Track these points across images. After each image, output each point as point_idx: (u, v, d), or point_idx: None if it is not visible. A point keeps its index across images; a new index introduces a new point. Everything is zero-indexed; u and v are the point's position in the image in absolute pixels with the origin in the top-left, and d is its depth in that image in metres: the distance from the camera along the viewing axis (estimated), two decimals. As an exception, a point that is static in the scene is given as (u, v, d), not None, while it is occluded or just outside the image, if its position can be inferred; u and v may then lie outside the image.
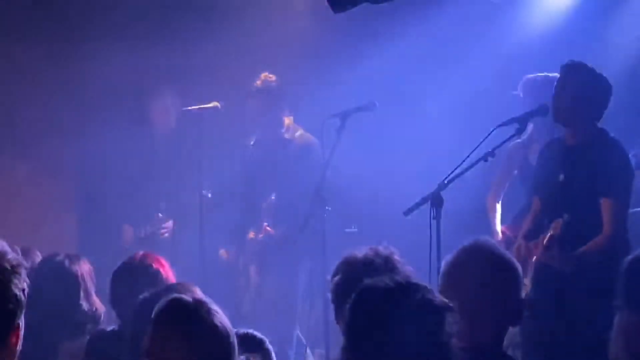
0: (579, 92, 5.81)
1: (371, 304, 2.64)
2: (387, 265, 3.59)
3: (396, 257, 3.68)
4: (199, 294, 3.70)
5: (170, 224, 7.75)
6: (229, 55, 7.94)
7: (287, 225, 6.91)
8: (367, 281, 2.71)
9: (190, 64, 8.39)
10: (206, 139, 7.04)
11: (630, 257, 3.79)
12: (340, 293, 3.56)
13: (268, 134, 7.30)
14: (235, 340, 3.01)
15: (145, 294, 3.71)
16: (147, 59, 8.11)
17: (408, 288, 2.64)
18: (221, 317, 2.98)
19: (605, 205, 5.71)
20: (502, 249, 3.36)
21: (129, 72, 8.24)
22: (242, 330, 3.68)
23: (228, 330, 2.97)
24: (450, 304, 2.65)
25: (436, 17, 8.01)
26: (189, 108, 7.04)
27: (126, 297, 4.08)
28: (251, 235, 7.18)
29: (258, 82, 7.20)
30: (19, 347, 2.56)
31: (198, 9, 8.35)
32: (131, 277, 4.25)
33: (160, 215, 7.80)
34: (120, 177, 7.99)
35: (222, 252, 7.33)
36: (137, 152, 7.96)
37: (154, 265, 4.33)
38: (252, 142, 7.42)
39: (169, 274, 4.35)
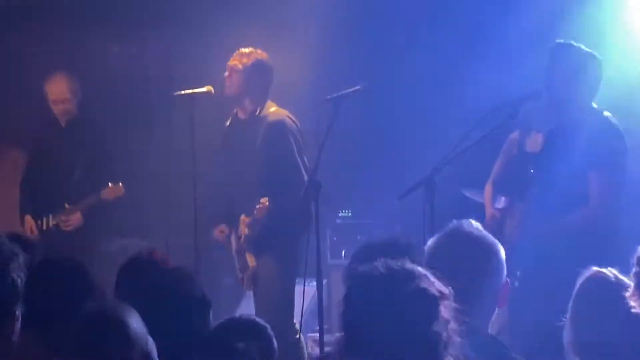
0: (571, 71, 5.85)
1: (365, 292, 2.62)
2: (406, 252, 3.57)
3: (413, 246, 3.63)
4: None
5: (77, 215, 7.69)
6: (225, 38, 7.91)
7: (274, 202, 6.83)
8: (362, 268, 2.69)
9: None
10: (199, 123, 7.00)
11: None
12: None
13: (241, 112, 7.16)
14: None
15: None
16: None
17: (402, 276, 2.62)
18: None
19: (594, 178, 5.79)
20: (482, 231, 3.34)
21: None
22: (245, 317, 3.69)
23: None
24: (446, 292, 2.63)
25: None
26: (181, 92, 7.00)
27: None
28: (244, 219, 7.10)
29: (236, 60, 7.09)
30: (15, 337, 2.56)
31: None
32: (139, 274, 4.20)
33: (67, 206, 7.74)
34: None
35: (216, 231, 7.23)
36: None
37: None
38: (227, 123, 7.27)
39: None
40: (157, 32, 8.96)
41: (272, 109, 7.08)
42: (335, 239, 8.64)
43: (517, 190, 6.13)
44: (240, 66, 7.01)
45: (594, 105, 6.04)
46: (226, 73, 7.05)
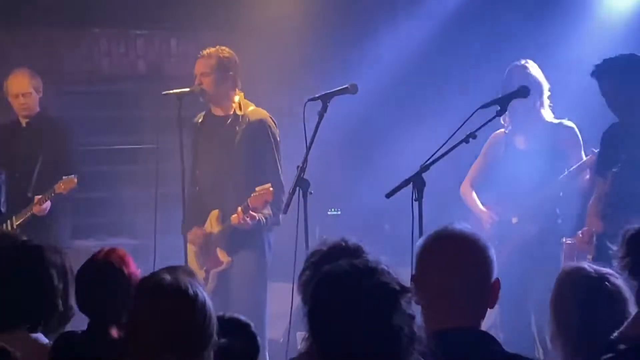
0: (620, 81, 5.99)
1: (329, 289, 2.68)
2: (354, 256, 3.57)
3: (364, 248, 3.65)
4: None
5: (38, 198, 7.57)
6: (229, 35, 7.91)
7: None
8: (327, 267, 2.73)
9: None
10: (186, 123, 6.99)
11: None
12: (308, 285, 3.55)
13: (217, 110, 7.16)
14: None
15: None
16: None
17: (364, 272, 2.67)
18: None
19: None
20: (471, 231, 3.34)
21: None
22: (227, 315, 3.68)
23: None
24: (407, 287, 2.67)
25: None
26: (169, 92, 6.99)
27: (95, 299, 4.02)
28: (216, 214, 7.09)
29: (211, 58, 7.07)
30: None
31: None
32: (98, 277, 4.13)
33: (29, 194, 7.67)
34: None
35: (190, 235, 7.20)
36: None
37: (116, 264, 4.18)
38: (199, 120, 7.26)
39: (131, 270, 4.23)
40: (147, 32, 8.95)
41: (251, 108, 7.11)
42: (324, 237, 8.62)
43: None
44: (207, 69, 7.03)
45: None
46: (197, 80, 7.05)
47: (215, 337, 3.07)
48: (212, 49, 7.09)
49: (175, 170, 6.82)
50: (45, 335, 4.04)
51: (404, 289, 2.66)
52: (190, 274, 3.89)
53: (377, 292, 2.63)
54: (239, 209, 6.92)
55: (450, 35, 8.27)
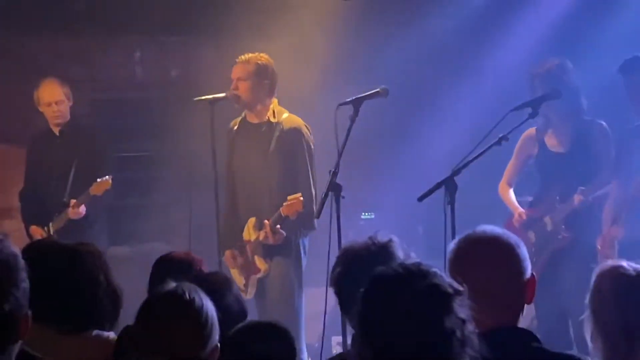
0: None
1: (381, 292, 2.67)
2: (385, 253, 3.60)
3: (394, 244, 3.68)
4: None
5: (73, 202, 7.62)
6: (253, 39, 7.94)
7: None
8: (379, 269, 2.72)
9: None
10: (218, 129, 7.02)
11: None
12: (343, 284, 3.58)
13: (252, 117, 7.19)
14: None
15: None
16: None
17: (417, 274, 2.66)
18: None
19: None
20: (502, 231, 3.36)
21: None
22: (264, 320, 3.71)
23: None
24: (460, 288, 2.66)
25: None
26: (201, 98, 7.02)
27: None
28: (253, 222, 7.13)
29: (249, 64, 7.10)
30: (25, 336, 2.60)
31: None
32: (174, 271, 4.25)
33: (65, 201, 7.72)
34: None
35: (227, 254, 7.25)
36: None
37: (196, 260, 4.36)
38: (235, 127, 7.31)
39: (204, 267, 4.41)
40: (179, 39, 9.00)
41: (285, 115, 7.12)
42: (358, 241, 8.63)
43: None
44: (244, 75, 7.04)
45: None
46: (232, 84, 7.07)
47: (215, 341, 3.09)
48: (250, 55, 7.11)
49: (208, 176, 6.86)
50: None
51: (456, 292, 2.64)
52: (225, 280, 3.94)
53: (429, 294, 2.62)
54: (266, 223, 6.94)
55: (481, 34, 8.24)
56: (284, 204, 6.86)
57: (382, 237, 3.70)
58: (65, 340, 3.75)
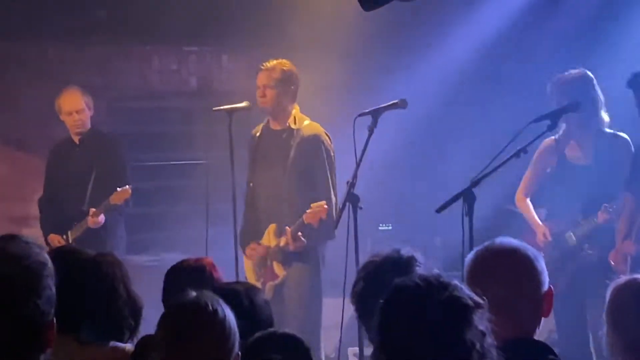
0: None
1: (401, 303, 2.65)
2: (407, 268, 3.58)
3: (418, 258, 3.66)
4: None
5: (93, 210, 7.65)
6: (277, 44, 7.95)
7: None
8: (398, 280, 2.71)
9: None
10: (237, 139, 7.03)
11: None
12: (363, 296, 3.57)
13: (275, 124, 7.22)
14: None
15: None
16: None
17: (436, 285, 2.64)
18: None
19: None
20: (520, 243, 3.35)
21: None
22: (281, 330, 3.70)
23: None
24: (480, 301, 2.64)
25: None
26: (220, 107, 7.03)
27: None
28: (273, 228, 7.13)
29: (274, 71, 7.12)
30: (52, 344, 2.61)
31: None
32: (187, 278, 4.24)
33: (84, 209, 7.73)
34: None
35: (249, 250, 7.26)
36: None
37: (207, 266, 4.35)
38: (257, 133, 7.33)
39: (218, 276, 4.38)
40: (197, 48, 9.02)
41: (306, 122, 7.14)
42: (380, 254, 8.61)
43: None
44: (271, 82, 7.06)
45: None
46: (258, 91, 7.09)
47: (237, 351, 3.09)
48: (275, 62, 7.13)
49: (226, 186, 6.87)
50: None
51: (476, 304, 2.62)
52: (256, 291, 3.93)
53: (449, 306, 2.59)
54: (288, 230, 6.95)
55: (499, 47, 8.23)
56: (307, 211, 6.87)
57: (405, 252, 3.68)
58: (84, 351, 3.74)
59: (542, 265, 3.31)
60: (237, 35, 8.56)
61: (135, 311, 4.07)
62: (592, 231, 6.75)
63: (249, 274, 7.20)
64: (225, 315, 3.08)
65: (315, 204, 6.86)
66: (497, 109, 8.03)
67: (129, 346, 3.97)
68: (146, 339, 4.05)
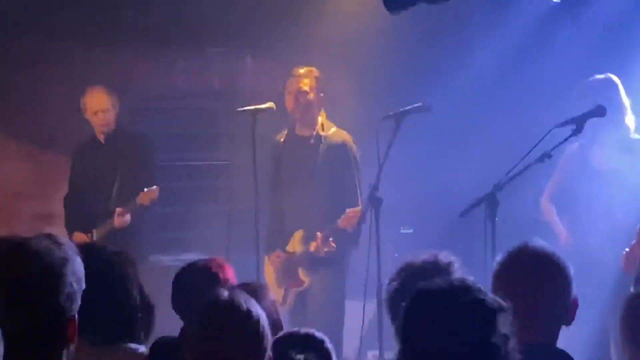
0: None
1: (425, 305, 2.63)
2: (444, 272, 3.57)
3: (455, 264, 3.65)
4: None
5: (120, 210, 7.67)
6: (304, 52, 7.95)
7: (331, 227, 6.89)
8: (422, 283, 2.70)
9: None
10: (260, 140, 7.03)
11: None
12: (397, 298, 3.56)
13: (302, 130, 7.23)
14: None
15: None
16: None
17: (461, 288, 2.63)
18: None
19: None
20: (551, 249, 3.35)
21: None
22: (303, 330, 3.70)
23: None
24: (504, 305, 2.63)
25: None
26: (243, 108, 7.04)
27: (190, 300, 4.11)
28: (300, 235, 7.13)
29: (308, 78, 7.12)
30: (75, 339, 2.61)
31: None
32: (196, 280, 4.24)
33: (110, 209, 7.74)
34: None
35: (273, 256, 7.27)
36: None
37: (213, 268, 4.33)
38: (282, 139, 7.33)
39: (229, 275, 4.35)
40: (222, 49, 9.03)
41: (333, 129, 7.15)
42: (396, 255, 8.61)
43: None
44: (306, 88, 7.07)
45: None
46: (292, 96, 7.08)
47: (269, 352, 3.09)
48: (306, 68, 7.14)
49: (249, 187, 6.87)
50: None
51: (501, 308, 2.60)
52: (263, 290, 3.92)
53: (474, 309, 2.57)
54: (319, 235, 6.94)
55: (524, 50, 8.20)
56: (342, 216, 6.85)
57: (443, 257, 3.67)
58: (96, 352, 3.74)
59: (571, 273, 3.32)
60: (262, 37, 8.56)
61: (149, 312, 4.06)
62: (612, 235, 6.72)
63: (269, 279, 7.19)
64: (258, 316, 3.07)
65: (351, 209, 6.85)
66: (520, 113, 8.00)
67: (142, 348, 3.96)
68: (162, 340, 4.05)
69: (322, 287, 7.06)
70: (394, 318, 3.57)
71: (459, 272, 3.61)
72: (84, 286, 2.70)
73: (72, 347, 2.61)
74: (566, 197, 7.06)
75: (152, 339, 4.05)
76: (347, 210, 6.85)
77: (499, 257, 3.37)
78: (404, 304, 2.68)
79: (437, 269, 3.58)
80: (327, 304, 7.02)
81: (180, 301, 4.20)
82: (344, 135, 7.16)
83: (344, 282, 7.10)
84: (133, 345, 3.93)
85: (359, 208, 6.83)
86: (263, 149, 7.11)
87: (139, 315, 3.96)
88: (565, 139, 5.75)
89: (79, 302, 2.65)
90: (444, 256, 3.67)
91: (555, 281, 3.28)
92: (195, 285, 4.13)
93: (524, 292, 3.17)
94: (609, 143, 6.82)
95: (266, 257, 7.21)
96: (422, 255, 3.71)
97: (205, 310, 3.15)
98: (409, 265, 3.70)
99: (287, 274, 7.17)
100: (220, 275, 4.26)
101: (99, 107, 7.85)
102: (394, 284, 3.64)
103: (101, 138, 7.95)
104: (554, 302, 3.26)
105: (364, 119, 7.29)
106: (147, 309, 4.05)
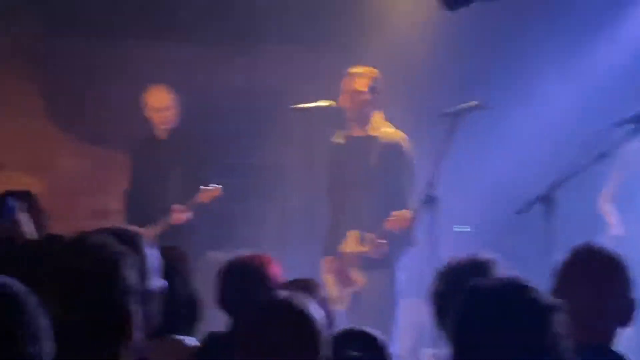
0: None
1: (479, 304, 2.62)
2: (487, 270, 3.55)
3: (497, 263, 3.62)
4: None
5: (179, 207, 7.70)
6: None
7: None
8: (476, 281, 2.68)
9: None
10: (318, 138, 7.04)
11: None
12: (440, 296, 3.55)
13: (357, 131, 7.21)
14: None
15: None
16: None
17: (515, 287, 2.61)
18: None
19: None
20: (612, 250, 3.33)
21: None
22: (357, 328, 3.71)
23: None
24: (558, 304, 2.60)
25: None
26: (301, 106, 7.04)
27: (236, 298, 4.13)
28: (355, 235, 7.13)
29: (365, 78, 7.12)
30: (132, 335, 2.62)
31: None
32: (241, 277, 4.25)
33: (167, 205, 7.77)
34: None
35: (330, 259, 7.27)
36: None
37: (261, 264, 4.33)
38: (338, 140, 7.30)
39: (274, 271, 4.35)
40: (279, 48, 9.05)
41: (389, 130, 7.12)
42: (460, 256, 8.56)
43: None
44: (364, 88, 7.05)
45: None
46: (347, 95, 7.06)
47: (323, 351, 3.09)
48: (364, 68, 7.12)
49: (304, 184, 6.88)
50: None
51: (555, 306, 2.59)
52: (314, 287, 3.93)
53: (529, 307, 2.56)
54: (371, 236, 6.94)
55: (581, 39, 8.11)
56: (389, 218, 6.83)
57: (487, 255, 3.65)
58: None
59: (634, 275, 3.30)
60: (318, 34, 8.56)
61: (192, 306, 4.07)
62: None
63: (327, 280, 7.20)
64: (315, 316, 3.08)
65: (397, 212, 6.82)
66: (576, 105, 7.92)
67: (189, 340, 3.98)
68: (213, 335, 4.07)
69: (374, 287, 7.05)
70: (436, 316, 3.56)
71: (503, 270, 3.59)
72: (155, 279, 2.71)
73: (131, 345, 2.62)
74: (628, 196, 7.00)
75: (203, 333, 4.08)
76: (393, 212, 6.82)
77: (560, 256, 3.35)
78: (455, 302, 2.67)
79: (481, 266, 3.56)
80: (380, 303, 7.01)
81: (225, 297, 4.22)
82: (398, 136, 7.13)
83: (395, 283, 7.06)
84: (179, 337, 3.96)
85: (407, 210, 6.79)
86: (317, 147, 7.11)
87: (182, 310, 3.98)
88: (625, 139, 5.68)
89: (138, 296, 2.66)
90: (487, 254, 3.65)
91: (615, 282, 3.26)
92: (241, 282, 4.15)
93: (584, 291, 3.15)
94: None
95: (324, 259, 7.21)
96: (463, 255, 3.69)
97: (262, 309, 3.15)
98: (452, 263, 3.69)
99: (341, 274, 7.16)
100: (265, 271, 4.27)
101: (160, 105, 7.93)
102: (439, 282, 3.63)
103: (162, 136, 8.02)
104: (613, 302, 3.24)
105: (414, 119, 7.26)
106: (192, 304, 4.07)
